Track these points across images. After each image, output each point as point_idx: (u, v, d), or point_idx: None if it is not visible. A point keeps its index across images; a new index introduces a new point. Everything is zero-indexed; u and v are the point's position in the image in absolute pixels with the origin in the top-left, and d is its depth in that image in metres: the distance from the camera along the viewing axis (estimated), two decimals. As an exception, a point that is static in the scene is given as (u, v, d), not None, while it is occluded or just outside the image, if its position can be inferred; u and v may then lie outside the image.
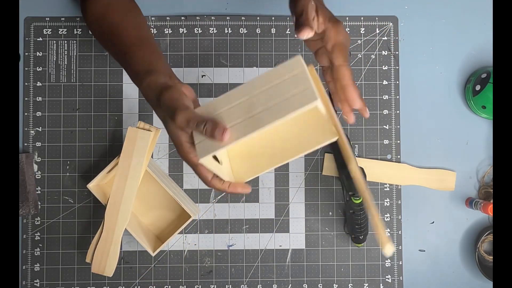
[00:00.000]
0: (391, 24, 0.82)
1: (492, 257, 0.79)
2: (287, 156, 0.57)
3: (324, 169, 0.80)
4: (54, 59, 0.80)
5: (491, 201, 0.76)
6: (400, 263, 0.80)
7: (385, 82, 0.82)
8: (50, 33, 0.81)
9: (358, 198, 0.67)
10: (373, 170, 0.80)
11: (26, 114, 0.80)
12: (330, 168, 0.80)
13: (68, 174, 0.79)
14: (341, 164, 0.72)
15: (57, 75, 0.80)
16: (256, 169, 0.58)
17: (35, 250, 0.79)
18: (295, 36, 0.56)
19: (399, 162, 0.81)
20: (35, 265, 0.79)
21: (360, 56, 0.82)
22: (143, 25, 0.68)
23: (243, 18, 0.82)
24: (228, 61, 0.81)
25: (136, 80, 0.60)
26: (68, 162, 0.80)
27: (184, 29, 0.81)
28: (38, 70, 0.80)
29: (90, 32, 0.79)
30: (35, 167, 0.79)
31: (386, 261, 0.80)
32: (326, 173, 0.80)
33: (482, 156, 0.82)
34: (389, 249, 0.51)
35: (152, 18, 0.81)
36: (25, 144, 0.79)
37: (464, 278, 0.81)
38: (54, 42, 0.81)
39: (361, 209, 0.70)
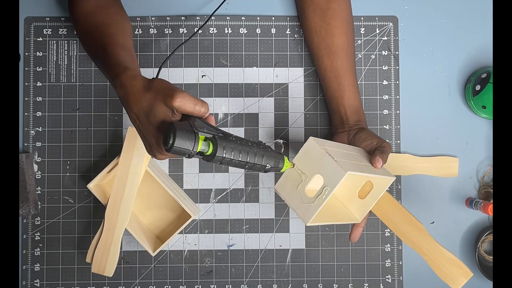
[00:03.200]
0: (391, 24, 0.82)
1: (492, 257, 0.79)
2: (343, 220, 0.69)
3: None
4: (54, 59, 0.80)
5: (491, 201, 0.76)
6: (400, 263, 0.80)
7: (385, 82, 0.82)
8: (50, 33, 0.81)
9: (207, 151, 0.53)
10: None
11: (26, 114, 0.80)
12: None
13: (68, 174, 0.79)
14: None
15: (57, 75, 0.80)
16: (326, 219, 0.65)
17: (35, 250, 0.79)
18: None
19: (399, 162, 0.81)
20: (35, 265, 0.79)
21: (360, 56, 0.82)
22: (130, 35, 0.69)
23: (243, 18, 0.82)
24: (228, 61, 0.81)
25: (115, 70, 0.59)
26: (68, 162, 0.80)
27: (184, 29, 0.81)
28: (38, 70, 0.80)
29: (75, 31, 0.80)
30: (35, 167, 0.79)
31: (386, 261, 0.80)
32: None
33: (482, 156, 0.82)
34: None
35: (152, 18, 0.81)
36: (25, 144, 0.79)
37: (464, 278, 0.81)
38: (54, 42, 0.81)
39: (225, 151, 0.53)
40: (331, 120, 0.78)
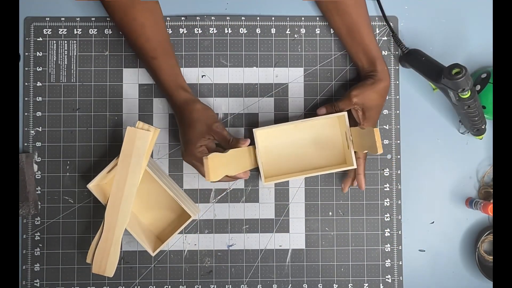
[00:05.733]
0: (391, 24, 0.82)
1: (492, 257, 0.79)
2: (308, 172, 0.77)
3: None
4: (54, 59, 0.80)
5: (491, 201, 0.76)
6: (400, 263, 0.80)
7: (385, 82, 0.81)
8: (50, 33, 0.81)
9: (466, 93, 0.69)
10: None
11: (26, 114, 0.80)
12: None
13: (68, 174, 0.79)
14: (435, 76, 0.73)
15: (57, 75, 0.80)
16: (282, 175, 0.78)
17: (35, 250, 0.79)
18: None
19: (399, 162, 0.81)
20: (35, 265, 0.79)
21: (360, 56, 0.81)
22: (163, 25, 0.75)
23: (243, 18, 0.82)
24: (228, 61, 0.81)
25: (168, 86, 0.74)
26: (68, 162, 0.80)
27: (184, 29, 0.81)
28: (38, 70, 0.80)
29: (112, 22, 0.80)
30: (35, 167, 0.79)
31: (386, 261, 0.80)
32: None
33: (482, 156, 0.82)
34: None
35: (152, 18, 0.81)
36: (25, 144, 0.79)
37: (464, 278, 0.81)
38: (54, 42, 0.81)
39: (474, 100, 0.71)
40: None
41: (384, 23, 0.82)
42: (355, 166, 0.75)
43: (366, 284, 0.80)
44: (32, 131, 0.80)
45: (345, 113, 0.76)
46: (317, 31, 0.82)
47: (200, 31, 0.81)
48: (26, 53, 0.80)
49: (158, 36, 0.73)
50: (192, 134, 0.71)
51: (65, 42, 0.81)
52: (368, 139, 0.70)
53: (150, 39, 0.72)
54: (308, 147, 0.79)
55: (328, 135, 0.79)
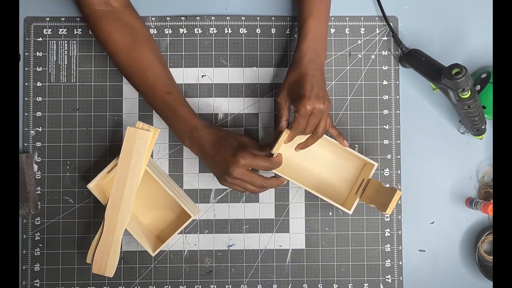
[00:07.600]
0: (391, 24, 0.82)
1: (492, 257, 0.79)
2: (308, 186, 0.75)
3: None
4: (54, 59, 0.80)
5: (491, 201, 0.76)
6: (400, 263, 0.80)
7: (385, 82, 0.82)
8: (50, 33, 0.81)
9: (466, 93, 0.69)
10: None
11: (26, 114, 0.80)
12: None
13: (68, 174, 0.79)
14: (435, 76, 0.73)
15: (57, 75, 0.80)
16: (287, 174, 0.74)
17: (35, 250, 0.79)
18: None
19: (399, 162, 0.81)
20: (35, 265, 0.79)
21: (360, 56, 0.82)
22: (164, 61, 0.76)
23: (243, 18, 0.82)
24: (228, 61, 0.81)
25: (189, 118, 0.71)
26: (68, 162, 0.80)
27: (184, 29, 0.81)
28: (38, 70, 0.80)
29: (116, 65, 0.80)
30: (35, 167, 0.79)
31: (386, 261, 0.80)
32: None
33: (482, 156, 0.82)
34: None
35: (152, 18, 0.81)
36: (25, 144, 0.79)
37: (464, 278, 0.81)
38: (54, 42, 0.81)
39: (474, 100, 0.71)
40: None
41: (384, 23, 0.82)
42: (350, 212, 0.74)
43: (366, 284, 0.80)
44: (32, 131, 0.80)
45: (376, 164, 0.75)
46: (317, 31, 0.81)
47: (200, 31, 0.81)
48: (26, 53, 0.80)
49: (167, 72, 0.74)
50: (230, 148, 0.69)
51: (65, 42, 0.81)
52: (383, 196, 0.69)
53: (162, 75, 0.73)
54: (321, 166, 0.79)
55: (346, 169, 0.79)
